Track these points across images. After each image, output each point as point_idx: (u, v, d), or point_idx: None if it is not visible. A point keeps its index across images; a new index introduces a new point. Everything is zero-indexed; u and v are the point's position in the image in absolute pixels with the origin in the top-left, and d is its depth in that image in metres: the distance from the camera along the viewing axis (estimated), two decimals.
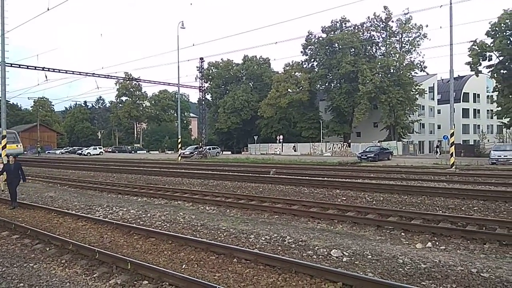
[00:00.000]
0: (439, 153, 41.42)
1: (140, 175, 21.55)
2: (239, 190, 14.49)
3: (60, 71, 35.62)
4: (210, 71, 72.63)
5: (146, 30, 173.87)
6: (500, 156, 29.43)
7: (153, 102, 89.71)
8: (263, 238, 7.17)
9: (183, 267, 5.81)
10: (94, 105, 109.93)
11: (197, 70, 50.72)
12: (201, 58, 49.80)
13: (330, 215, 9.25)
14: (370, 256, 5.94)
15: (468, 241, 6.95)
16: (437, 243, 6.92)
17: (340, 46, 54.53)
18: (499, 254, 6.24)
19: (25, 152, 54.30)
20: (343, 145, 54.14)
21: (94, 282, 5.35)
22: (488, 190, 12.52)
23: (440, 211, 9.58)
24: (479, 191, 12.14)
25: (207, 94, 70.15)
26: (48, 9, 21.08)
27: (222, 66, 72.65)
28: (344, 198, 12.00)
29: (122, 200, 12.72)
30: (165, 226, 8.60)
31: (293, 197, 12.22)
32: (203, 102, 53.88)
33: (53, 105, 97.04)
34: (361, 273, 5.29)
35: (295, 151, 55.59)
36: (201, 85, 51.07)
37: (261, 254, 6.02)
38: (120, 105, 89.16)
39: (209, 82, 72.21)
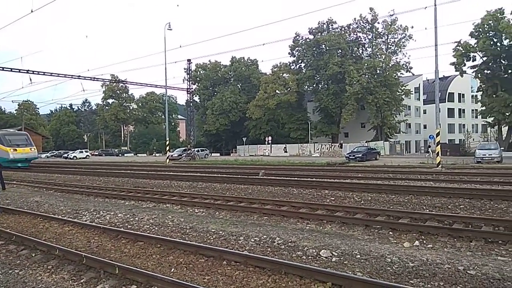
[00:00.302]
0: (430, 152, 41.93)
1: (127, 178, 21.33)
2: (228, 192, 14.44)
3: (45, 73, 35.13)
4: (198, 72, 72.43)
5: (133, 31, 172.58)
6: (485, 155, 30.01)
7: (140, 104, 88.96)
8: (253, 240, 7.15)
9: (172, 270, 5.76)
10: (80, 108, 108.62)
11: (185, 71, 50.55)
12: (189, 60, 49.65)
13: (319, 216, 9.28)
14: (358, 256, 5.97)
15: (455, 239, 7.05)
16: (424, 242, 7.00)
17: (327, 48, 54.96)
18: (485, 252, 6.35)
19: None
20: (332, 145, 54.50)
21: (82, 287, 5.27)
22: (474, 189, 12.75)
23: (427, 210, 9.70)
24: (465, 190, 12.35)
25: (195, 96, 69.96)
26: (32, 11, 20.76)
27: (210, 68, 72.51)
28: (333, 199, 12.07)
29: (110, 204, 12.56)
30: (153, 230, 8.52)
31: (282, 198, 12.23)
32: (191, 104, 53.68)
33: (38, 108, 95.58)
34: (350, 272, 5.32)
35: (285, 152, 55.69)
36: (188, 87, 50.89)
37: (250, 256, 6.00)
38: (107, 107, 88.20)
39: (197, 83, 72.00)
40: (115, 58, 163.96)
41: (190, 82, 52.49)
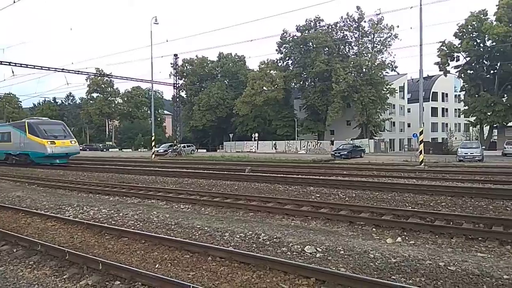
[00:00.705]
0: (419, 151, 42.41)
1: (112, 174, 21.08)
2: (214, 188, 14.43)
3: (28, 66, 34.32)
4: (185, 68, 71.83)
5: (118, 25, 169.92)
6: (467, 153, 30.63)
7: (125, 99, 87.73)
8: (238, 236, 7.17)
9: (156, 266, 5.74)
10: (63, 102, 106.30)
11: (171, 66, 49.97)
12: (175, 55, 49.17)
13: (304, 212, 9.36)
14: (342, 252, 6.05)
15: (436, 236, 7.20)
16: (406, 238, 7.14)
17: (314, 45, 55.19)
18: (465, 248, 6.50)
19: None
20: (318, 143, 54.90)
21: (64, 283, 5.20)
22: (455, 186, 13.04)
23: (410, 207, 9.87)
24: (447, 187, 12.61)
25: (182, 91, 69.43)
26: (14, 2, 20.24)
27: (197, 63, 71.96)
28: (318, 195, 12.17)
29: (93, 200, 12.41)
30: (138, 226, 8.46)
31: (268, 195, 12.28)
32: (177, 99, 53.28)
33: (21, 102, 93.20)
34: (334, 268, 5.39)
35: (275, 149, 55.73)
36: (175, 82, 50.44)
37: (235, 251, 6.02)
38: (91, 101, 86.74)
39: (183, 79, 71.38)
40: (100, 52, 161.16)
41: (177, 77, 52.01)
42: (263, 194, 12.40)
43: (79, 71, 40.00)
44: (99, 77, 71.54)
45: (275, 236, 7.00)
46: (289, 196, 11.89)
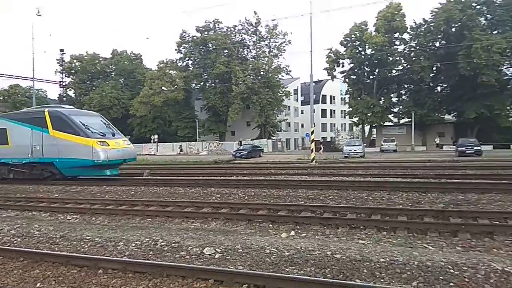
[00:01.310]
0: (322, 149, 45.32)
1: None
2: (107, 194, 13.47)
3: None
4: (73, 64, 65.81)
5: None
6: (351, 150, 34.04)
7: (1, 98, 76.88)
8: (133, 244, 6.81)
9: (37, 285, 5.13)
10: None
11: (57, 63, 45.45)
12: (61, 50, 45.27)
13: (205, 214, 9.32)
14: (240, 250, 6.17)
15: (325, 227, 7.79)
16: (299, 231, 7.59)
17: (214, 47, 55.57)
18: (349, 237, 7.16)
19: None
20: (220, 143, 55.36)
21: None
22: (341, 181, 14.32)
23: (302, 202, 10.52)
24: (334, 182, 13.77)
25: (69, 90, 63.56)
26: None
27: (87, 60, 66.52)
28: (219, 196, 12.23)
29: None
30: (15, 242, 7.46)
31: (167, 198, 11.92)
32: (64, 99, 48.60)
33: None
34: (232, 267, 5.46)
35: (181, 151, 54.30)
36: (61, 80, 46.02)
37: (129, 261, 5.70)
38: None
39: (71, 76, 65.38)
40: None
41: (64, 75, 47.50)
42: (162, 198, 12.01)
43: None
44: None
45: (173, 241, 6.81)
46: (189, 199, 11.71)
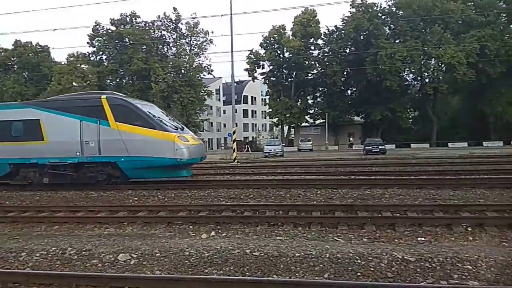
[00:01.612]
0: (246, 149, 45.54)
1: None
2: (8, 201, 12.09)
3: None
4: None
5: None
6: (271, 150, 35.14)
7: None
8: (38, 254, 6.21)
9: None
10: None
11: None
12: None
13: (120, 218, 8.85)
14: (158, 254, 5.98)
15: (245, 226, 7.91)
16: (219, 231, 7.61)
17: (131, 42, 53.12)
18: (268, 234, 7.36)
19: None
20: None
21: None
22: (261, 179, 14.67)
23: (224, 201, 10.56)
24: (254, 181, 14.04)
25: None
26: None
27: None
28: (136, 199, 11.71)
29: None
30: None
31: (78, 203, 11.07)
32: None
33: None
34: (149, 272, 5.28)
35: None
36: None
37: (33, 273, 5.20)
38: None
39: None
40: None
41: None
42: (72, 203, 11.12)
43: None
44: None
45: (84, 249, 6.35)
46: (103, 203, 11.01)
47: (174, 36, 56.56)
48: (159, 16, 55.31)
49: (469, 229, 7.13)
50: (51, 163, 13.62)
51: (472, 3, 48.96)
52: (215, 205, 9.70)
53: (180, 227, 8.13)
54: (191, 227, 8.07)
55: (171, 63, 53.44)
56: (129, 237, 7.30)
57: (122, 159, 13.21)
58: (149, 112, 13.79)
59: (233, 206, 9.47)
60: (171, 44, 57.80)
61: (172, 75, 52.68)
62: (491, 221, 7.33)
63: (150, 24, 55.83)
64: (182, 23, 55.12)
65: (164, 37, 56.84)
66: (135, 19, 55.81)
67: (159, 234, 7.69)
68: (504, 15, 48.78)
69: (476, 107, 49.77)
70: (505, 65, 45.34)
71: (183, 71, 54.01)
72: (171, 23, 55.36)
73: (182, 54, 55.74)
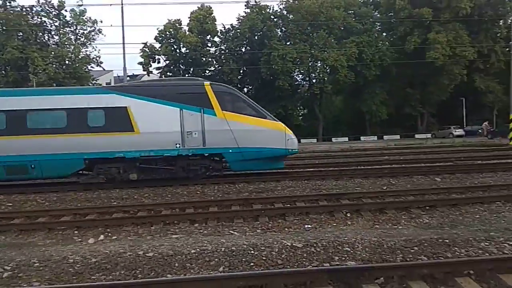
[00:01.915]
0: None
1: None
2: None
3: None
4: None
5: None
6: None
7: None
8: None
9: None
10: None
11: None
12: None
13: None
14: (37, 264, 5.39)
15: (138, 227, 7.59)
16: (109, 234, 7.16)
17: (5, 27, 46.46)
18: (163, 233, 7.17)
19: None
20: None
21: None
22: (157, 179, 14.16)
23: (115, 203, 9.98)
24: (149, 181, 13.42)
25: None
26: None
27: None
28: (10, 204, 10.35)
29: None
30: None
31: None
32: None
33: None
34: (26, 285, 4.72)
35: None
36: None
37: None
38: None
39: None
40: None
41: None
42: None
43: None
44: None
45: None
46: None
47: (56, 24, 51.09)
48: (38, 1, 49.34)
49: (348, 215, 7.96)
50: (143, 157, 12.22)
51: (353, 12, 54.42)
52: (105, 207, 9.12)
53: (63, 232, 7.44)
54: (76, 232, 7.45)
55: (53, 52, 48.16)
56: (1, 248, 6.42)
57: (230, 151, 12.59)
58: (250, 100, 13.59)
59: (126, 207, 9.03)
60: (53, 32, 52.09)
61: (54, 66, 47.54)
62: (366, 206, 8.31)
63: (28, 9, 49.47)
64: (66, 10, 50.11)
65: (45, 24, 50.89)
66: (10, 2, 48.88)
67: (38, 242, 6.93)
68: (378, 24, 55.46)
69: (355, 106, 55.62)
70: (378, 69, 51.55)
71: (67, 62, 49.15)
72: (53, 9, 49.86)
73: (66, 43, 50.67)
